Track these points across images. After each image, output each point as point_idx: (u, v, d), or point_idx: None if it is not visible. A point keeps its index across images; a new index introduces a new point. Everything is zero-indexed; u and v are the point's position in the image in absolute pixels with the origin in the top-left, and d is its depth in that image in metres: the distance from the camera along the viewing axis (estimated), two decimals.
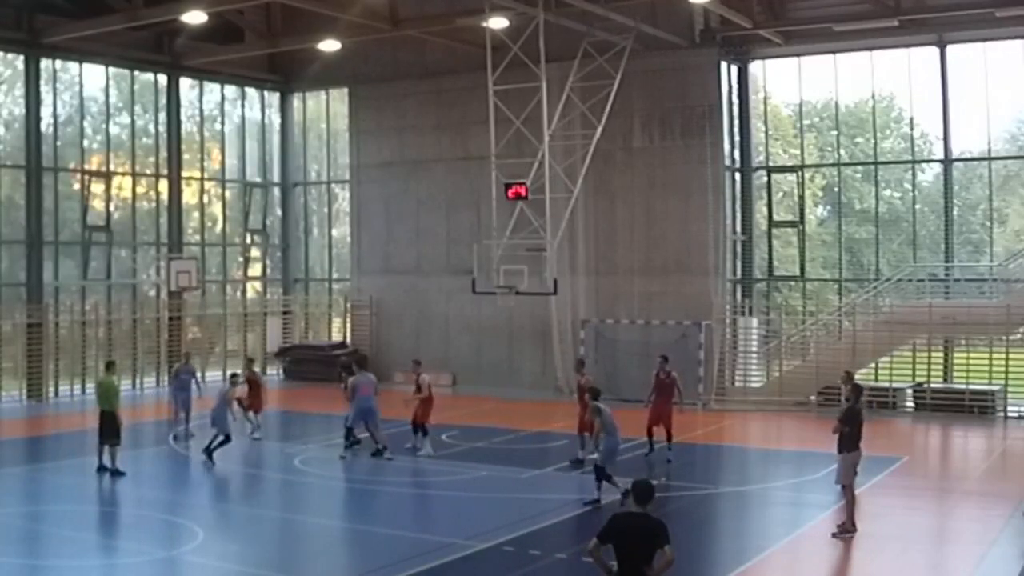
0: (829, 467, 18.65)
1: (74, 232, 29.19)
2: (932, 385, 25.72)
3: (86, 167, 29.39)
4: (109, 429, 17.75)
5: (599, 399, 16.42)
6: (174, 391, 22.81)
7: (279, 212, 35.10)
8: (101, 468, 17.80)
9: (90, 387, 28.50)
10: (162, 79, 30.88)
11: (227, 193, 33.59)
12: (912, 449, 21.59)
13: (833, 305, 28.15)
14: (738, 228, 28.49)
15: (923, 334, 25.77)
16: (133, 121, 30.52)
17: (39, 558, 13.28)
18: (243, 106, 33.97)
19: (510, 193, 24.29)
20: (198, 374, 24.43)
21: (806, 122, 29.65)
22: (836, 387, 19.47)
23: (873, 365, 26.29)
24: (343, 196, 34.74)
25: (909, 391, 25.88)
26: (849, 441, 14.26)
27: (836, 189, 29.68)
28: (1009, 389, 24.94)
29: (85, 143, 29.64)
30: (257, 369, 23.32)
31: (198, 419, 21.69)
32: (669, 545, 8.13)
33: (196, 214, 32.71)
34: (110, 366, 19.25)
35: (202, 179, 32.63)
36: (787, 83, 28.85)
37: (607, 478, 15.54)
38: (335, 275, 34.98)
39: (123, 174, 30.28)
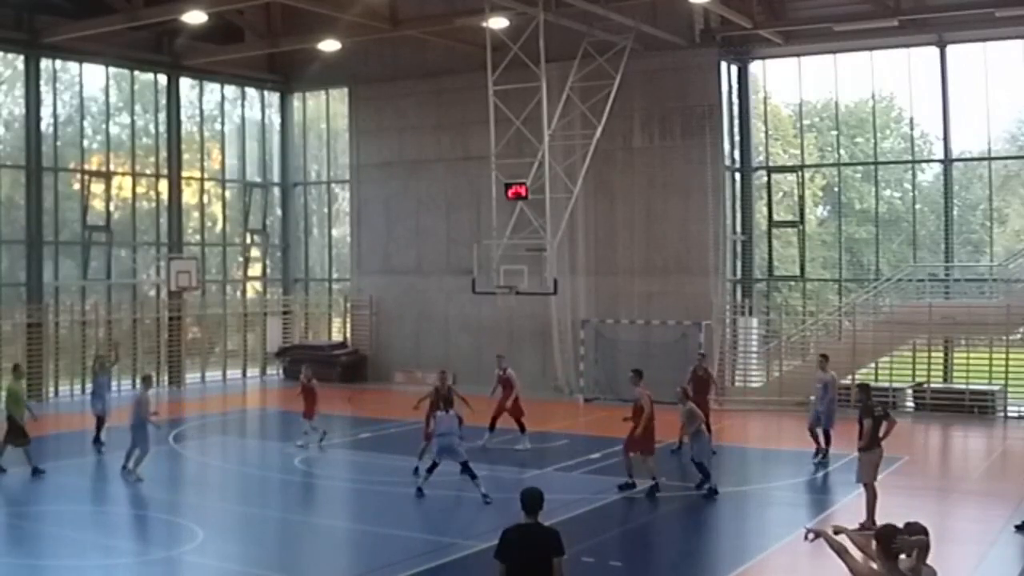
0: (830, 467, 18.70)
1: (74, 232, 29.19)
2: (932, 385, 25.73)
3: (86, 167, 29.38)
4: (15, 431, 18.00)
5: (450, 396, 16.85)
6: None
7: (279, 212, 35.10)
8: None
9: (89, 387, 28.50)
10: (162, 79, 30.88)
11: (227, 193, 33.58)
12: (912, 449, 21.54)
13: (833, 305, 28.14)
14: (738, 228, 28.49)
15: (923, 334, 25.78)
16: (133, 121, 30.52)
17: (39, 558, 13.28)
18: (243, 106, 33.96)
19: (510, 193, 24.29)
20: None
21: (806, 122, 29.64)
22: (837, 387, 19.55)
23: (873, 365, 26.28)
24: (343, 196, 34.73)
25: (909, 391, 25.88)
26: (869, 440, 14.36)
27: (836, 189, 29.68)
28: (1009, 389, 24.96)
29: (85, 143, 29.64)
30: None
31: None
32: (562, 557, 7.83)
33: (196, 214, 32.71)
34: (16, 369, 19.22)
35: (202, 179, 32.63)
36: (787, 83, 28.85)
37: (428, 470, 16.31)
38: (335, 275, 34.97)
39: (123, 174, 30.28)
